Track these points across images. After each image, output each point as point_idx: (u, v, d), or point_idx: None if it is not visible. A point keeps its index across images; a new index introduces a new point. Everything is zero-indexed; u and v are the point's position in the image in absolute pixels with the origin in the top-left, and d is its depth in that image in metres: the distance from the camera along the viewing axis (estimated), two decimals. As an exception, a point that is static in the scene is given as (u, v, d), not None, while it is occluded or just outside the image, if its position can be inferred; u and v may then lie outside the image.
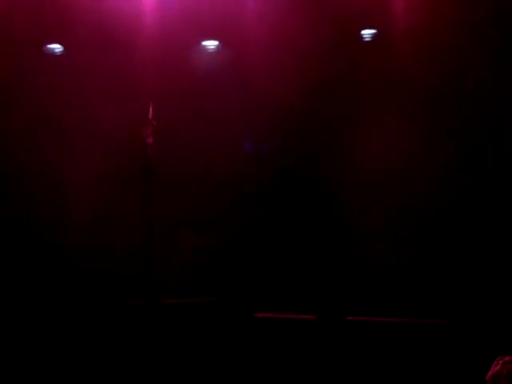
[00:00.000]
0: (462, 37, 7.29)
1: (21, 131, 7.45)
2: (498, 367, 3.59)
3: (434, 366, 5.87)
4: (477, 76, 7.29)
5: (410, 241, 7.34)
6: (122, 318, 6.11)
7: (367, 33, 7.81)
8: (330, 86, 7.67)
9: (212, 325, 6.05)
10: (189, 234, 7.34)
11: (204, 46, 7.91)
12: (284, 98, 7.56)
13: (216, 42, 7.89)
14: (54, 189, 7.56)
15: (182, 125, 7.52)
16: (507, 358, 3.60)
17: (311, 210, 7.61)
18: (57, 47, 7.81)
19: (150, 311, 5.91)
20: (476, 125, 7.28)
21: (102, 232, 7.26)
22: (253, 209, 7.61)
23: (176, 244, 7.01)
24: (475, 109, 7.31)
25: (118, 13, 7.50)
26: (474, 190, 7.24)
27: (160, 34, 7.60)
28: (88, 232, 7.28)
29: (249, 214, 7.58)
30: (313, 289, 7.10)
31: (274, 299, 6.76)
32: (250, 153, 7.90)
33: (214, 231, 7.43)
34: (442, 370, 5.81)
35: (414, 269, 7.22)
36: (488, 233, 7.13)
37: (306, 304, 6.56)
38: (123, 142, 7.14)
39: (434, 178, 7.33)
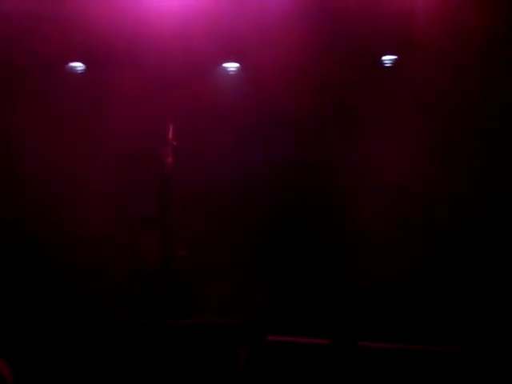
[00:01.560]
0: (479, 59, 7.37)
1: (40, 149, 7.52)
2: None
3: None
4: (496, 98, 7.35)
5: (424, 264, 7.35)
6: (129, 338, 6.09)
7: (385, 57, 7.88)
8: (345, 106, 7.73)
9: (223, 347, 6.04)
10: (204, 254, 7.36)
11: (224, 67, 7.98)
12: (301, 119, 7.63)
13: (236, 64, 7.96)
14: (69, 204, 7.59)
15: (199, 145, 7.58)
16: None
17: (327, 229, 7.64)
18: (79, 65, 7.91)
19: (158, 332, 5.91)
20: (494, 143, 7.34)
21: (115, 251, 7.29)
22: (270, 229, 7.66)
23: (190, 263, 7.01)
24: (494, 128, 7.36)
25: (139, 33, 7.57)
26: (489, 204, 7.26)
27: (181, 54, 7.67)
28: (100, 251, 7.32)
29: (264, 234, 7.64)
30: (326, 313, 7.10)
31: (287, 322, 6.77)
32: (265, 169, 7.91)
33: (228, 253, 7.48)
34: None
35: (426, 294, 7.23)
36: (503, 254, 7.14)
37: (319, 328, 6.55)
38: (142, 161, 7.21)
39: (446, 195, 7.36)
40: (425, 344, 6.05)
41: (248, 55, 7.81)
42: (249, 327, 6.18)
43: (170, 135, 6.29)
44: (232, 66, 7.98)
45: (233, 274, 7.36)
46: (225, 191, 7.78)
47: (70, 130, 7.62)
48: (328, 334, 6.27)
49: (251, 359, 6.02)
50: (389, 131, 7.53)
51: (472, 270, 7.23)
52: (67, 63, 7.92)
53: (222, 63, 7.99)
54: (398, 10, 7.56)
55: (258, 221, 7.73)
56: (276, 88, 7.59)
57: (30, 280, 7.45)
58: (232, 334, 6.03)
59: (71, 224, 7.48)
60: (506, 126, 7.46)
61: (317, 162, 7.76)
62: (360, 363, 6.09)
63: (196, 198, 7.57)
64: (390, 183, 7.47)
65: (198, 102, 7.62)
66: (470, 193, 7.38)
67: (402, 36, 7.64)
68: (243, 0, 7.74)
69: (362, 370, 6.06)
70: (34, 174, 7.56)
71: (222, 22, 7.63)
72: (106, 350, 5.90)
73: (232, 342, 6.03)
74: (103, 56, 7.73)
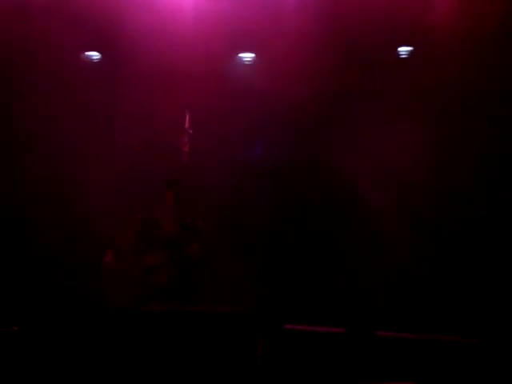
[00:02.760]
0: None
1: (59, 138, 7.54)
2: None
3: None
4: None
5: (441, 257, 7.35)
6: (148, 325, 6.09)
7: (401, 50, 7.88)
8: (358, 99, 7.73)
9: (242, 335, 6.05)
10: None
11: (240, 58, 7.98)
12: (313, 110, 7.64)
13: (252, 55, 7.95)
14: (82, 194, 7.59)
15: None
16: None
17: (340, 224, 7.65)
18: (95, 55, 7.91)
19: (175, 318, 5.92)
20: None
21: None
22: (286, 223, 7.68)
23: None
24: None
25: (156, 25, 7.57)
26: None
27: (196, 44, 7.67)
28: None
29: (282, 228, 7.65)
30: (342, 302, 7.11)
31: (304, 311, 6.77)
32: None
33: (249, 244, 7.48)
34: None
35: (443, 285, 7.23)
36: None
37: (334, 317, 6.56)
38: (159, 149, 7.21)
39: (457, 191, 7.37)
40: (439, 334, 6.08)
41: (263, 46, 7.79)
42: (266, 316, 6.19)
43: (187, 124, 6.30)
44: (247, 57, 7.97)
45: (248, 264, 7.37)
46: (237, 182, 7.77)
47: (86, 120, 7.60)
48: (343, 323, 6.29)
49: (268, 347, 6.03)
50: (401, 125, 7.52)
51: (485, 263, 7.22)
52: (83, 54, 7.90)
53: (238, 54, 7.97)
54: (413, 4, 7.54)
55: (272, 214, 7.73)
56: (291, 79, 7.58)
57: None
58: (250, 323, 6.03)
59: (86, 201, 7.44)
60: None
61: (328, 158, 7.74)
62: (375, 352, 6.10)
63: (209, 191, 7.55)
64: (403, 178, 7.47)
65: (213, 92, 7.59)
66: (479, 190, 7.36)
67: (417, 29, 7.60)
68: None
69: (377, 358, 6.07)
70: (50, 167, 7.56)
71: (237, 13, 7.61)
72: (124, 336, 5.93)
73: (250, 330, 6.03)
74: (119, 47, 7.71)
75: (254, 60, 7.98)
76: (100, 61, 7.92)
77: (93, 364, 5.92)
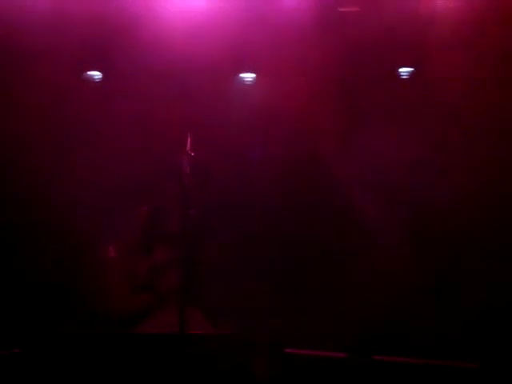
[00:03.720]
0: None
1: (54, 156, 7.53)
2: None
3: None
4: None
5: (441, 275, 7.34)
6: (145, 347, 6.07)
7: (404, 70, 7.88)
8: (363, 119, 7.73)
9: (241, 358, 6.03)
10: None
11: (241, 78, 7.99)
12: (317, 132, 7.63)
13: (253, 75, 7.96)
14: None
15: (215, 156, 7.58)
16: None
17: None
18: (96, 74, 7.92)
19: (175, 342, 5.89)
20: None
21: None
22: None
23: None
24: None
25: (156, 43, 7.58)
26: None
27: (197, 64, 7.67)
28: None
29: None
30: (343, 326, 7.09)
31: (305, 335, 6.75)
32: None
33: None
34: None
35: (444, 310, 7.21)
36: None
37: (336, 342, 6.53)
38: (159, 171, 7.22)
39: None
40: (443, 359, 6.04)
41: (264, 65, 7.80)
42: (266, 339, 6.18)
43: (188, 146, 6.26)
44: (248, 77, 7.98)
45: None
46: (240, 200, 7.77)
47: (85, 139, 7.60)
48: (344, 347, 6.26)
49: (268, 371, 6.01)
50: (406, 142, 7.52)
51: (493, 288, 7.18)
52: (84, 72, 7.90)
53: (239, 73, 7.97)
54: (415, 22, 7.54)
55: (269, 233, 7.72)
56: (292, 98, 7.58)
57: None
58: (249, 346, 6.02)
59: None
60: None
61: (332, 172, 7.73)
62: (376, 377, 6.08)
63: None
64: (411, 198, 7.46)
65: (214, 112, 7.60)
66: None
67: (419, 48, 7.60)
68: (260, 10, 7.71)
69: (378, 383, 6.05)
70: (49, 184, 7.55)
71: (238, 32, 7.61)
72: (122, 358, 5.91)
73: (249, 353, 6.02)
74: (119, 66, 7.71)
75: (256, 80, 8.00)
76: (98, 78, 7.93)
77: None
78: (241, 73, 8.01)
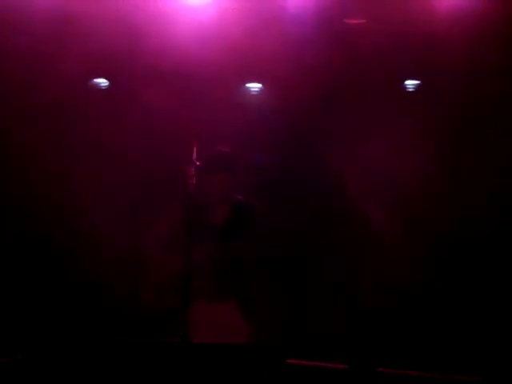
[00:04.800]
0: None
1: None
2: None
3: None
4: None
5: (444, 292, 7.32)
6: (151, 356, 6.08)
7: (410, 83, 7.89)
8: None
9: (244, 369, 6.04)
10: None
11: (248, 87, 8.00)
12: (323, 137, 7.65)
13: (259, 85, 7.97)
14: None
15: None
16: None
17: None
18: (103, 82, 7.93)
19: (181, 351, 5.90)
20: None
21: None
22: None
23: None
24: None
25: (164, 54, 7.60)
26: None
27: (204, 73, 7.69)
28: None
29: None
30: (345, 337, 7.08)
31: (307, 346, 6.75)
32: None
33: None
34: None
35: (447, 322, 7.20)
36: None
37: (337, 353, 6.54)
38: (166, 182, 7.21)
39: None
40: (445, 372, 6.04)
41: (271, 75, 7.81)
42: (269, 350, 6.19)
43: (194, 155, 6.29)
44: (255, 87, 7.99)
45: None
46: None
47: (93, 146, 7.63)
48: (346, 358, 6.27)
49: (270, 382, 6.02)
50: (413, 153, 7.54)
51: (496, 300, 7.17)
52: (90, 79, 7.92)
53: (245, 83, 7.99)
54: (422, 34, 7.55)
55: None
56: (299, 107, 7.60)
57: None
58: (252, 357, 6.03)
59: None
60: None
61: (339, 183, 7.74)
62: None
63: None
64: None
65: (221, 122, 7.61)
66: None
67: (427, 60, 7.62)
68: (266, 20, 7.72)
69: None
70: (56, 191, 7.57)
71: (245, 42, 7.63)
72: (128, 367, 5.92)
73: (252, 364, 6.03)
74: (126, 74, 7.73)
75: (263, 89, 8.00)
76: (106, 88, 7.95)
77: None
78: (248, 82, 8.01)
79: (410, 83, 7.87)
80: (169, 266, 6.80)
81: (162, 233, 7.10)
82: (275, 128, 7.73)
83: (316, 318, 7.27)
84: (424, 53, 7.62)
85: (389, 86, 7.84)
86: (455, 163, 7.55)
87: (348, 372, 6.11)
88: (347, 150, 7.74)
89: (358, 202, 7.57)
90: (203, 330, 6.22)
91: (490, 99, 7.40)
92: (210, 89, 7.67)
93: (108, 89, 7.92)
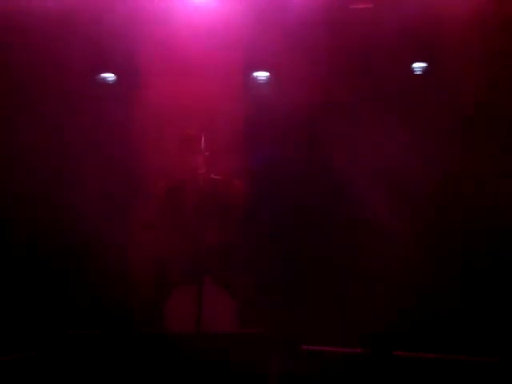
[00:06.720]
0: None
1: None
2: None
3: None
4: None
5: (459, 276, 7.28)
6: (159, 347, 6.06)
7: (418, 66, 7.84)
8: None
9: (256, 356, 6.01)
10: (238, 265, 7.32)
11: (254, 77, 7.99)
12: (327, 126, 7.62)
13: (267, 74, 7.96)
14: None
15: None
16: None
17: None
18: (110, 76, 7.95)
19: (189, 341, 5.88)
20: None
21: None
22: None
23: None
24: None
25: (169, 45, 7.60)
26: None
27: (212, 62, 7.68)
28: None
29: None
30: (361, 322, 7.06)
31: (321, 331, 6.72)
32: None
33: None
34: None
35: (463, 303, 7.17)
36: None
37: (353, 337, 6.50)
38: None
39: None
40: (463, 354, 6.01)
41: (278, 64, 7.79)
42: (282, 336, 6.15)
43: (202, 146, 6.24)
44: (262, 76, 7.98)
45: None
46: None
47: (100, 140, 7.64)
48: (362, 343, 6.24)
49: (284, 368, 5.99)
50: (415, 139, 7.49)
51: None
52: (98, 74, 7.93)
53: (252, 73, 7.97)
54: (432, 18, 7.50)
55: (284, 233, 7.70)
56: (305, 97, 7.57)
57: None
58: (265, 343, 5.99)
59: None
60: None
61: (344, 175, 7.70)
62: (394, 373, 6.05)
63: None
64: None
65: (229, 113, 7.60)
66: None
67: (435, 44, 7.56)
68: (273, 11, 7.71)
69: (396, 380, 6.01)
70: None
71: (251, 32, 7.62)
72: (141, 360, 5.90)
73: (265, 351, 5.99)
74: (132, 67, 7.73)
75: (269, 79, 7.98)
76: (112, 83, 7.96)
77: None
78: (253, 72, 7.99)
79: (419, 67, 7.82)
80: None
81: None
82: (280, 122, 7.72)
83: (329, 303, 7.27)
84: (434, 39, 7.58)
85: (397, 72, 7.81)
86: (463, 161, 7.50)
87: (363, 356, 6.07)
88: (353, 145, 7.72)
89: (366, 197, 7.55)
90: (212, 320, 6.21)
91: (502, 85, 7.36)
92: (214, 83, 7.66)
93: (111, 85, 7.94)
